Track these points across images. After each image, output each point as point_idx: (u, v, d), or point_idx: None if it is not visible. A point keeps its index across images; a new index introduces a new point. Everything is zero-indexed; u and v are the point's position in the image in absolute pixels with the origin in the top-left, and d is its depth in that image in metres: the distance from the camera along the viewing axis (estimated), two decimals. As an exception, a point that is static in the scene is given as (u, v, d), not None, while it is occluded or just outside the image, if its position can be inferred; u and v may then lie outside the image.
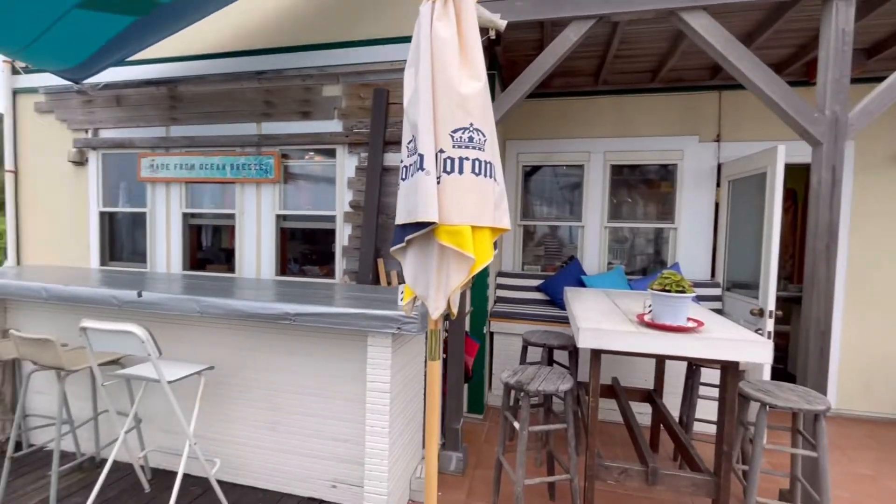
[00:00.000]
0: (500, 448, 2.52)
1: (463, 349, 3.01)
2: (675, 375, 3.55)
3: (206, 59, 4.15)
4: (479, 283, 3.76)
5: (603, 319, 2.30)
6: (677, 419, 3.09)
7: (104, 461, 2.40)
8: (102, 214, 4.54)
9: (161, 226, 4.37)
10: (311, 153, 4.05)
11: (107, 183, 4.55)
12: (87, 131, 4.53)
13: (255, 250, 4.12)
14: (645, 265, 4.53)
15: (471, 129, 1.52)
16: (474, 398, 3.79)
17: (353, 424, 2.53)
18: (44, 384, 3.16)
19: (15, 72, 4.72)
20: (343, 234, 3.87)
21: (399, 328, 2.14)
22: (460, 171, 1.50)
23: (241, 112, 4.09)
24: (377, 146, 3.66)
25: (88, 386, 2.91)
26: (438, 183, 1.50)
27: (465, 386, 3.64)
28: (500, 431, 2.54)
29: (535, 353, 3.65)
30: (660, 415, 3.02)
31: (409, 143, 1.61)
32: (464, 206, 1.50)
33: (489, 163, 1.56)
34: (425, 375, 2.89)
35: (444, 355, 3.06)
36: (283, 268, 4.17)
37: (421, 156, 1.48)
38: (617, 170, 4.51)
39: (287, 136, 3.96)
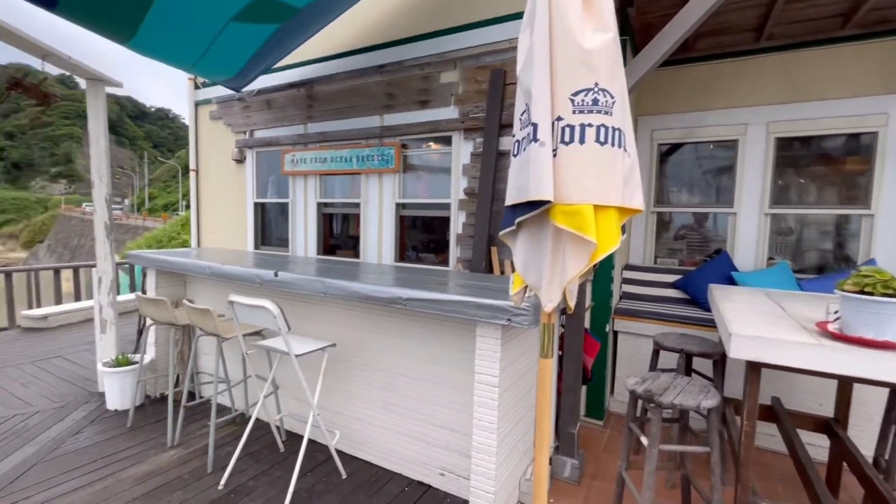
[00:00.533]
0: (622, 462, 2.22)
1: (581, 348, 2.74)
2: (865, 403, 2.77)
3: (335, 58, 4.46)
4: (602, 274, 3.40)
5: (765, 325, 1.85)
6: (870, 460, 2.39)
7: (250, 418, 2.73)
8: (256, 205, 5.24)
9: (300, 214, 4.86)
10: (429, 142, 4.09)
11: (259, 177, 5.23)
12: (245, 133, 5.25)
13: (377, 237, 4.33)
14: (820, 262, 3.63)
15: (595, 89, 1.28)
16: (593, 402, 3.46)
17: (461, 415, 2.47)
18: (209, 346, 3.75)
19: (196, 87, 5.68)
20: (457, 222, 3.83)
21: (509, 320, 1.99)
22: (581, 141, 1.28)
23: (366, 106, 4.31)
24: (492, 130, 3.52)
25: (240, 351, 3.36)
26: (555, 156, 1.30)
27: (584, 388, 3.34)
28: (622, 443, 2.24)
29: (668, 359, 3.18)
30: (843, 450, 2.36)
31: (521, 114, 1.43)
32: (585, 181, 1.28)
33: (618, 130, 1.31)
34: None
35: (560, 353, 2.82)
36: (402, 254, 4.31)
37: (534, 125, 1.30)
38: (784, 144, 3.68)
39: (406, 125, 4.06)
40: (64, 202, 57.05)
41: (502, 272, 3.52)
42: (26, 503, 2.36)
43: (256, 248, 5.26)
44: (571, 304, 1.47)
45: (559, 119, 1.31)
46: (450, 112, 3.84)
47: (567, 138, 1.29)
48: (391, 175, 4.22)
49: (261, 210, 5.27)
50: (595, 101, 1.28)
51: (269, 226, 5.29)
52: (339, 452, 2.87)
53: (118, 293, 8.35)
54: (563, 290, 1.40)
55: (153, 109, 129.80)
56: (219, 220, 5.64)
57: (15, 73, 2.71)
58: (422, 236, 4.40)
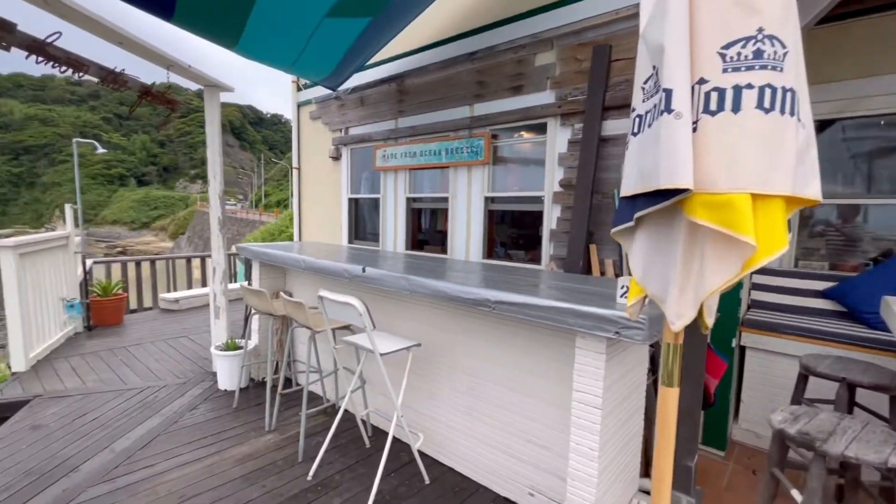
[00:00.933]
0: (760, 515, 1.80)
1: (703, 368, 2.30)
2: None
3: (425, 50, 4.37)
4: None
5: None
6: None
7: (339, 410, 2.76)
8: (350, 201, 5.40)
9: (390, 210, 4.90)
10: (521, 131, 3.82)
11: (353, 174, 5.38)
12: (340, 131, 5.43)
13: (465, 233, 4.19)
14: None
15: (758, 37, 0.95)
16: (714, 429, 2.95)
17: (554, 432, 2.21)
18: (304, 336, 3.91)
19: (298, 89, 6.02)
20: (551, 217, 3.53)
21: (617, 332, 1.69)
22: (735, 108, 0.96)
23: (456, 97, 4.17)
24: (594, 113, 3.15)
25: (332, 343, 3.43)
26: (695, 130, 0.99)
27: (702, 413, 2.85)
28: (759, 490, 1.81)
29: (819, 388, 2.58)
30: None
31: (645, 81, 1.14)
32: (739, 163, 0.96)
33: (790, 91, 0.96)
34: (648, 391, 2.32)
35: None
36: (490, 251, 4.11)
37: (667, 92, 1.00)
38: None
39: (497, 114, 3.83)
40: (199, 199, 66.43)
41: (602, 273, 3.15)
42: (150, 471, 2.61)
43: (350, 242, 5.43)
44: (709, 322, 1.15)
45: (702, 82, 0.99)
46: (545, 97, 3.53)
47: (714, 106, 0.98)
48: (480, 167, 4.03)
49: (354, 206, 5.42)
50: (758, 54, 0.95)
51: (362, 221, 5.42)
52: (423, 455, 2.78)
53: (237, 281, 9.29)
54: (700, 306, 1.08)
55: (269, 115, 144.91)
56: (317, 216, 5.94)
57: (144, 84, 3.00)
58: (511, 232, 4.16)
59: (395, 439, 2.75)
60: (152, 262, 7.75)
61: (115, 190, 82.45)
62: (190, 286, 8.30)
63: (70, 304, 5.01)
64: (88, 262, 6.83)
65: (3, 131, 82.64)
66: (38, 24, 2.42)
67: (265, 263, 3.88)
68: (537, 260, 3.71)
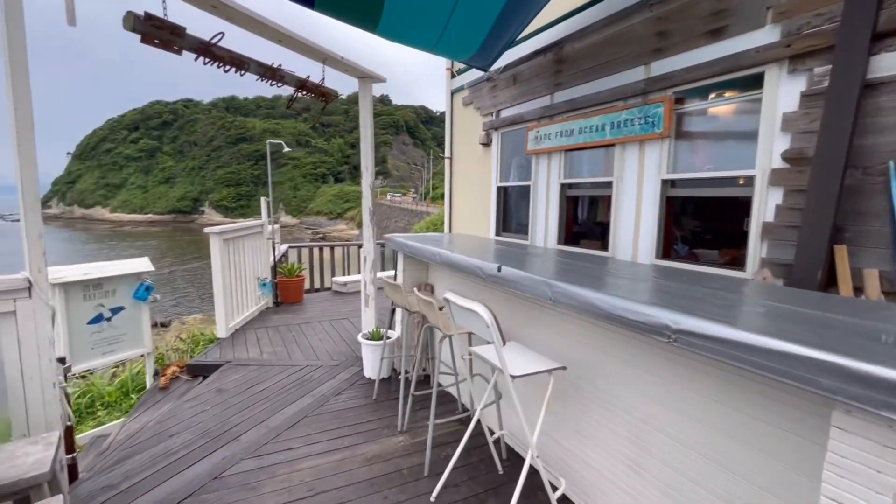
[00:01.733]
0: None
1: None
2: None
3: (587, 7, 3.66)
4: None
5: None
6: None
7: (471, 421, 2.43)
8: (499, 189, 5.03)
9: (541, 198, 4.36)
10: (719, 90, 2.85)
11: (503, 160, 4.98)
12: (492, 114, 5.08)
13: (633, 225, 3.39)
14: None
15: None
16: None
17: (770, 536, 1.44)
18: (440, 334, 3.70)
19: (452, 76, 5.88)
20: (765, 204, 2.52)
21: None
22: None
23: (626, 56, 3.37)
24: (855, 44, 2.07)
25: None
26: None
27: None
28: None
29: None
30: None
31: None
32: None
33: None
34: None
35: None
36: (667, 250, 3.24)
37: None
38: None
39: (683, 71, 2.93)
40: (380, 193, 75.67)
41: (858, 291, 2.08)
42: (291, 454, 2.70)
43: (497, 234, 5.08)
44: None
45: None
46: (762, 36, 2.52)
47: None
48: (656, 142, 3.17)
49: (503, 195, 5.03)
50: None
51: (510, 211, 5.00)
52: (566, 501, 2.24)
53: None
54: None
55: (438, 114, 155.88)
56: (467, 206, 5.75)
57: (300, 77, 3.11)
58: (698, 225, 3.20)
59: (532, 469, 2.28)
60: (332, 248, 8.74)
61: (319, 186, 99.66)
62: (360, 271, 9.17)
63: (263, 283, 5.88)
64: (284, 246, 8.04)
65: (248, 143, 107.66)
66: (202, 25, 2.64)
67: (408, 255, 3.79)
68: (739, 264, 2.73)
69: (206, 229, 4.68)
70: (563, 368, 2.07)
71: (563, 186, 4.12)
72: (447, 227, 6.15)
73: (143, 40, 2.23)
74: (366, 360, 3.85)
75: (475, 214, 5.54)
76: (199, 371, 4.12)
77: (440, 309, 2.55)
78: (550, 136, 4.12)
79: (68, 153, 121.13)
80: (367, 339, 3.83)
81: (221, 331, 4.83)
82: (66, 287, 4.16)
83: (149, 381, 4.78)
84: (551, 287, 1.97)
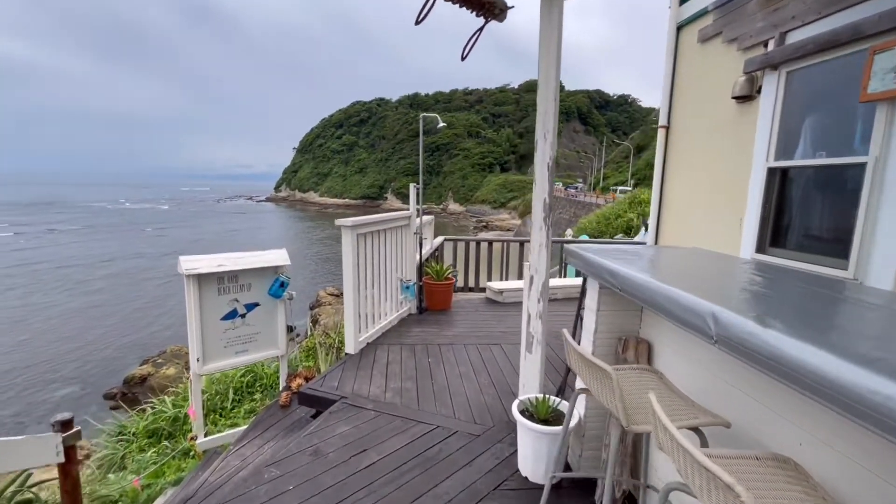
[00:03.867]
0: None
1: None
2: None
3: None
4: None
5: None
6: None
7: None
8: (771, 172, 2.90)
9: (892, 186, 2.17)
10: None
11: (786, 120, 2.83)
12: (765, 44, 2.96)
13: None
14: None
15: None
16: None
17: None
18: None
19: (681, 2, 3.84)
20: None
21: None
22: None
23: None
24: None
25: None
26: None
27: None
28: None
29: None
30: None
31: None
32: None
33: None
34: None
35: None
36: None
37: None
38: None
39: None
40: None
41: None
42: None
43: (760, 251, 2.97)
44: None
45: None
46: None
47: None
48: None
49: (778, 182, 2.89)
50: None
51: (793, 212, 2.84)
52: None
53: (565, 272, 8.16)
54: None
55: (615, 97, 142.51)
56: (691, 202, 3.72)
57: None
58: None
59: None
60: (490, 244, 7.57)
61: (486, 176, 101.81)
62: (519, 275, 7.74)
63: (406, 286, 4.93)
64: (439, 238, 7.12)
65: (427, 136, 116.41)
66: None
67: (610, 288, 2.14)
68: None
69: (338, 221, 3.81)
70: None
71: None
72: (652, 230, 4.19)
73: None
74: (523, 446, 2.38)
75: (708, 214, 3.49)
76: (312, 403, 3.25)
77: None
78: (949, 56, 1.90)
79: (293, 148, 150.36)
80: (528, 414, 2.35)
81: (350, 345, 3.97)
82: (200, 279, 3.75)
83: (282, 382, 4.25)
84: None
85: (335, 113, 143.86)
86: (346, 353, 3.97)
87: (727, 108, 3.24)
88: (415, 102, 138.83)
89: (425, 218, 5.59)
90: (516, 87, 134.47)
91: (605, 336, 2.24)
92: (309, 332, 7.14)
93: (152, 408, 4.81)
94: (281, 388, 4.09)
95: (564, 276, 8.07)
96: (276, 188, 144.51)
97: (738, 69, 3.10)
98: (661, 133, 4.01)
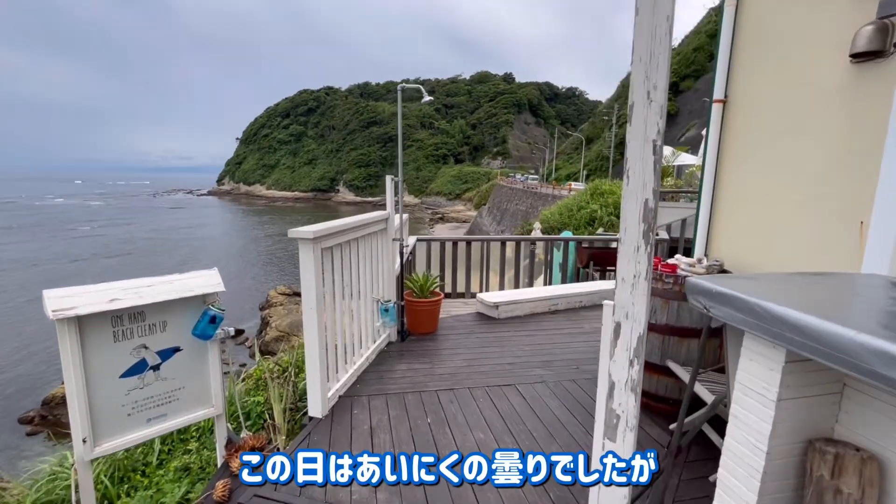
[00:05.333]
0: None
1: None
2: None
3: None
4: None
5: None
6: None
7: None
8: (929, 158, 2.06)
9: None
10: None
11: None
12: (910, -24, 2.10)
13: None
14: None
15: None
16: None
17: None
18: None
19: (744, -62, 2.96)
20: None
21: None
22: None
23: None
24: None
25: None
26: None
27: None
28: None
29: None
30: None
31: None
32: None
33: None
34: None
35: None
36: None
37: None
38: None
39: None
40: (500, 174, 72.69)
41: None
42: None
43: (910, 267, 2.14)
44: None
45: None
46: None
47: None
48: None
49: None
50: None
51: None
52: None
53: (551, 273, 7.34)
54: None
55: (563, 90, 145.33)
56: (768, 196, 2.87)
57: None
58: None
59: None
60: (469, 243, 6.64)
61: (440, 167, 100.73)
62: (515, 283, 6.79)
63: (385, 309, 3.81)
64: (412, 239, 6.00)
65: (377, 126, 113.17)
66: None
67: (800, 354, 1.16)
68: None
69: (293, 233, 2.63)
70: None
71: None
72: (703, 236, 3.32)
73: None
74: None
75: (797, 216, 2.66)
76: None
77: None
78: None
79: (237, 138, 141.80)
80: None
81: (316, 406, 2.82)
82: (82, 323, 2.45)
83: (219, 457, 3.03)
84: None
85: (281, 101, 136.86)
86: (310, 417, 2.82)
87: (836, 72, 2.39)
88: (365, 92, 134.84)
89: (405, 218, 4.49)
90: (468, 77, 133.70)
91: (786, 443, 1.29)
92: (257, 356, 5.80)
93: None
94: (217, 471, 2.88)
95: (550, 281, 7.23)
96: (219, 181, 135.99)
97: (859, 16, 2.24)
98: (715, 109, 3.14)
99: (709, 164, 3.19)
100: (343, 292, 3.10)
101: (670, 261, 3.19)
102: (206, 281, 3.01)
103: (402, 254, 4.13)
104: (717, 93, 3.11)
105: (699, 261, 2.98)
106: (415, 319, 4.30)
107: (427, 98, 4.06)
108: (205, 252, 38.63)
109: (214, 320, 2.97)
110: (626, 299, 1.65)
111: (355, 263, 3.29)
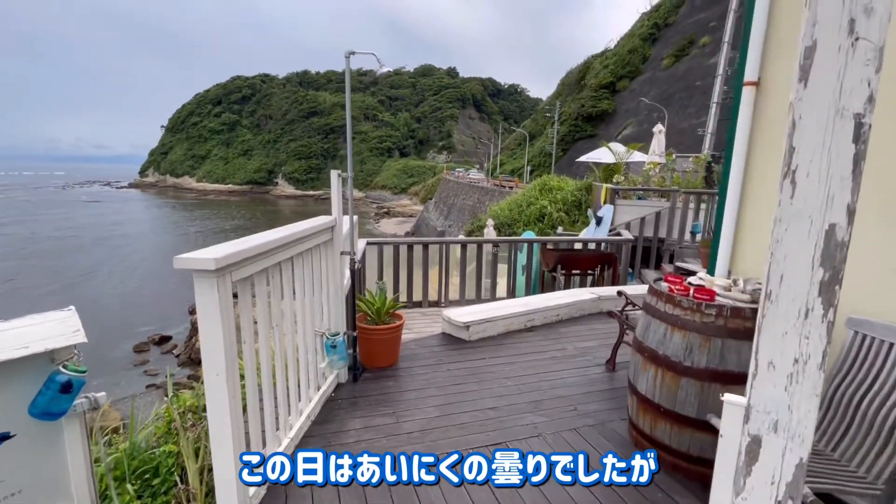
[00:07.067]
0: None
1: None
2: None
3: None
4: None
5: None
6: None
7: None
8: None
9: None
10: None
11: None
12: None
13: None
14: None
15: None
16: None
17: None
18: None
19: None
20: None
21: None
22: None
23: None
24: None
25: None
26: None
27: None
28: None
29: None
30: None
31: None
32: None
33: None
34: None
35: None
36: None
37: None
38: None
39: None
40: (445, 168, 72.02)
41: None
42: None
43: None
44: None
45: None
46: None
47: None
48: None
49: None
50: None
51: None
52: None
53: (514, 277, 6.64)
54: None
55: (506, 86, 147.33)
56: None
57: None
58: None
59: None
60: (425, 246, 5.88)
61: (385, 160, 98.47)
62: (477, 293, 6.03)
63: (332, 344, 2.90)
64: (361, 243, 5.03)
65: (318, 117, 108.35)
66: None
67: None
68: None
69: (181, 260, 1.67)
70: None
71: None
72: (730, 227, 2.73)
73: None
74: None
75: (864, 231, 2.11)
76: None
77: None
78: None
79: (162, 126, 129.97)
80: None
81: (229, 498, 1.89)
82: None
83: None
84: None
85: (212, 88, 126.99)
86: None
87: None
88: (304, 80, 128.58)
89: (355, 220, 3.56)
90: (412, 70, 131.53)
91: None
92: (168, 393, 4.62)
93: None
94: None
95: (514, 285, 6.60)
96: (142, 172, 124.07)
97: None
98: (746, 93, 2.54)
99: (736, 158, 2.60)
100: (270, 336, 2.18)
101: (693, 280, 2.56)
102: (54, 329, 1.94)
103: (353, 270, 3.23)
104: (750, 74, 2.51)
105: (734, 283, 2.39)
106: (370, 350, 3.43)
107: (385, 69, 3.17)
108: (126, 252, 34.70)
109: (69, 388, 1.92)
110: (779, 399, 0.92)
111: (289, 293, 2.37)
